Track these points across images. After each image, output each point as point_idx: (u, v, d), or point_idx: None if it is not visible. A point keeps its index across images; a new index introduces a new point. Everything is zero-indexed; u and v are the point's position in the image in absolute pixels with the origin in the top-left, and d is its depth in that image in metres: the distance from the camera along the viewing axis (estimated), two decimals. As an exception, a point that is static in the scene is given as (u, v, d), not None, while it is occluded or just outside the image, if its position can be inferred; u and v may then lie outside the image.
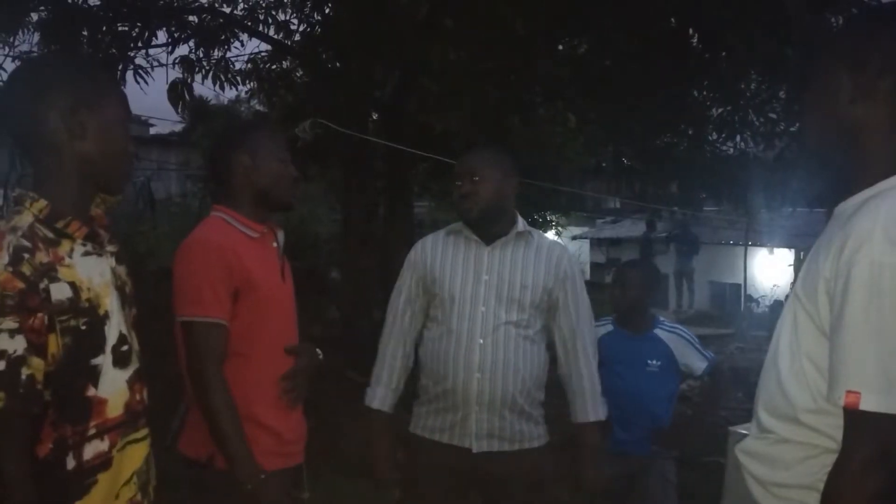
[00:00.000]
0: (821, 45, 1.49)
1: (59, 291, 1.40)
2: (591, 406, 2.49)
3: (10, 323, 1.34)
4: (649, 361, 3.07)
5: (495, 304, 2.41)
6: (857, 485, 1.23)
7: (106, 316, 1.50)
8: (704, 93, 7.40)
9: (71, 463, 1.44)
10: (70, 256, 1.46)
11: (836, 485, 1.27)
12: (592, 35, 6.69)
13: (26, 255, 1.37)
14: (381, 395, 2.55)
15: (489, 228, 2.48)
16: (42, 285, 1.38)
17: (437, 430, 2.46)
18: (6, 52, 6.81)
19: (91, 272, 1.49)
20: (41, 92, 1.49)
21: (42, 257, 1.40)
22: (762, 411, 1.47)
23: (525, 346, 2.42)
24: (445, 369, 2.40)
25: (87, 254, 1.50)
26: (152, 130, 17.94)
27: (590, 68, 7.03)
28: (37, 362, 1.37)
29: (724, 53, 6.18)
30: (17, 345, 1.34)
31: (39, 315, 1.37)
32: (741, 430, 3.12)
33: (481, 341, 2.38)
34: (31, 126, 1.49)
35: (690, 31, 6.19)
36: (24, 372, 1.35)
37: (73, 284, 1.43)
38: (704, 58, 6.33)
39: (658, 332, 3.11)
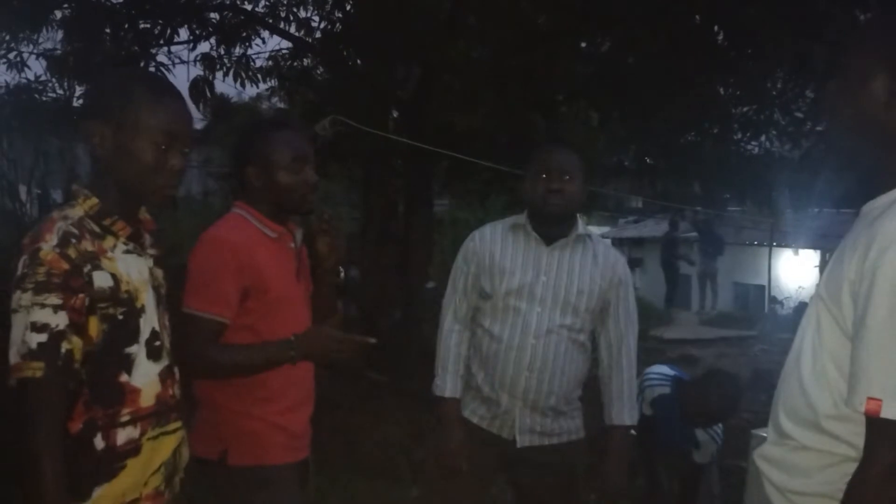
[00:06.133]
0: (853, 46, 1.44)
1: (101, 279, 1.52)
2: (627, 411, 2.55)
3: (55, 299, 1.44)
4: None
5: (551, 306, 2.46)
6: (878, 493, 1.21)
7: (142, 309, 1.60)
8: (729, 91, 7.32)
9: (100, 444, 1.53)
10: (112, 251, 1.57)
11: (856, 492, 1.25)
12: (616, 33, 6.63)
13: (73, 241, 1.49)
14: (451, 383, 2.57)
15: (556, 228, 2.51)
16: (85, 269, 1.49)
17: (482, 416, 2.53)
18: (30, 50, 6.90)
19: (130, 268, 1.60)
20: (92, 107, 1.64)
21: (87, 245, 1.51)
22: (782, 415, 1.45)
23: (573, 351, 2.48)
24: (495, 363, 2.47)
25: (127, 252, 1.61)
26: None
27: (613, 66, 6.96)
28: (76, 340, 1.47)
29: (749, 51, 6.10)
30: (60, 320, 1.45)
31: (80, 296, 1.47)
32: (763, 433, 3.09)
33: (533, 342, 2.43)
34: (84, 138, 1.62)
35: (716, 28, 6.12)
36: (64, 346, 1.45)
37: (114, 276, 1.54)
38: (730, 56, 6.25)
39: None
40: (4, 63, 6.73)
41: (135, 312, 1.58)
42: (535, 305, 2.45)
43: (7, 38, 6.56)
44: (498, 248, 2.52)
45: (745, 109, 7.43)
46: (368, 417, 5.28)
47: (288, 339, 1.98)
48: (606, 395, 2.57)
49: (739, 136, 7.78)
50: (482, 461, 2.53)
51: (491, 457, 2.55)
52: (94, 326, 1.50)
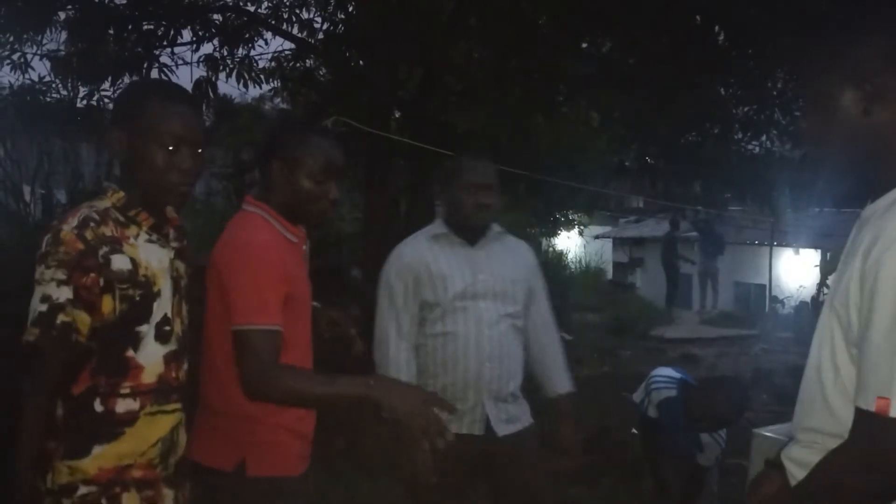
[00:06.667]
0: (811, 74, 1.44)
1: (120, 262, 1.66)
2: (567, 378, 2.77)
3: (61, 274, 1.59)
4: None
5: (493, 299, 2.59)
6: (850, 481, 1.24)
7: (158, 294, 1.73)
8: (730, 91, 7.33)
9: (99, 407, 1.67)
10: (135, 239, 1.71)
11: (828, 475, 1.28)
12: (617, 33, 6.65)
13: (92, 224, 1.63)
14: None
15: (478, 232, 2.65)
16: (102, 252, 1.63)
17: (449, 421, 2.48)
18: (34, 51, 6.91)
19: (150, 256, 1.73)
20: (113, 115, 1.85)
21: (107, 231, 1.65)
22: (808, 428, 1.41)
23: (518, 336, 2.66)
24: (455, 361, 2.54)
25: (150, 241, 1.75)
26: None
27: (614, 66, 6.98)
28: (82, 316, 1.61)
29: (750, 51, 6.11)
30: (62, 294, 1.59)
31: (92, 275, 1.61)
32: (765, 432, 3.10)
33: (488, 332, 2.56)
34: (106, 142, 1.79)
35: (716, 28, 6.13)
36: (62, 318, 1.59)
37: (133, 260, 1.68)
38: (731, 56, 6.27)
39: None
40: (8, 64, 6.72)
41: (150, 296, 1.71)
42: (479, 301, 2.57)
43: (11, 39, 6.56)
44: (430, 259, 2.59)
45: (745, 109, 7.45)
46: (370, 416, 5.29)
47: (365, 379, 1.79)
48: (544, 371, 2.77)
49: (740, 135, 7.80)
50: (460, 465, 2.51)
51: (467, 459, 2.53)
52: (108, 304, 1.64)
